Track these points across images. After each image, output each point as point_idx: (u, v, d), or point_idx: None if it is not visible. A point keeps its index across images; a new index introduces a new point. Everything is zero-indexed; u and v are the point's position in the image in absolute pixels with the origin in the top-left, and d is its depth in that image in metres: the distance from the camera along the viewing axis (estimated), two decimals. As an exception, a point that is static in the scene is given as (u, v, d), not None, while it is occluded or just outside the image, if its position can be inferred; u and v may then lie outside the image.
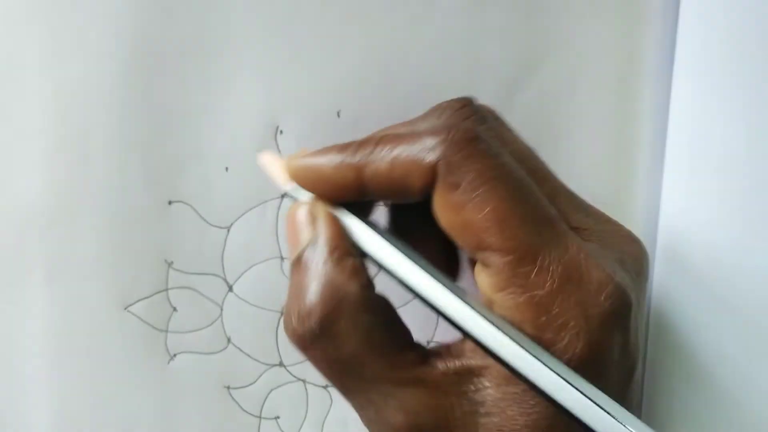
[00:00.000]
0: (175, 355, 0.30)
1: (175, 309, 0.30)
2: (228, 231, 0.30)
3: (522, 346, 0.20)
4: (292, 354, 0.30)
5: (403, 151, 0.21)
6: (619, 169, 0.31)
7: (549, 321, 0.20)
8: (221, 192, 0.29)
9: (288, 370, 0.31)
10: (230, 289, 0.30)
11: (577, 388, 0.19)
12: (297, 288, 0.22)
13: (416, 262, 0.22)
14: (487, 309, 0.21)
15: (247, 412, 0.31)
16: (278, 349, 0.31)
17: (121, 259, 0.29)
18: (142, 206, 0.29)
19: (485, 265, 0.21)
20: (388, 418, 0.21)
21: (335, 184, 0.22)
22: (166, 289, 0.30)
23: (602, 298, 0.20)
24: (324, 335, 0.21)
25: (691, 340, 0.31)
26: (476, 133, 0.21)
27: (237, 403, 0.31)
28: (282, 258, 0.30)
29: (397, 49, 0.30)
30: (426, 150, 0.21)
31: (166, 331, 0.30)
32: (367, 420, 0.22)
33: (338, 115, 0.29)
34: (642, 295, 0.22)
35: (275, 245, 0.30)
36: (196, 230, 0.29)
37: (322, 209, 0.23)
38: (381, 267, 0.22)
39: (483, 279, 0.21)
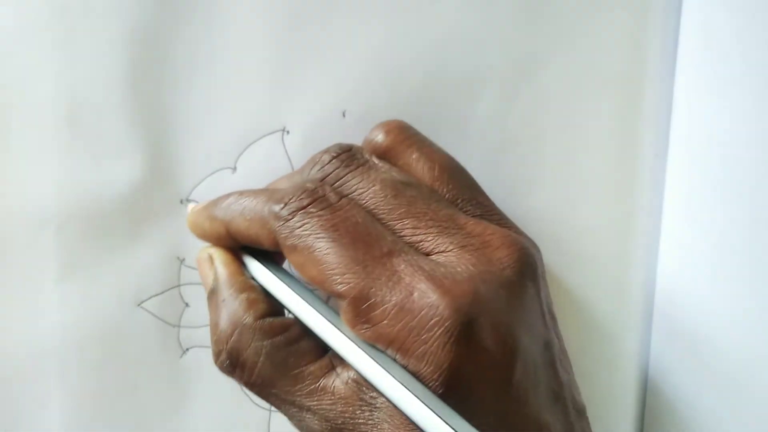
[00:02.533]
0: (187, 350, 0.31)
1: (187, 304, 0.30)
2: (237, 229, 0.30)
3: (393, 376, 0.21)
4: (301, 348, 0.31)
5: (256, 213, 0.24)
6: (622, 168, 0.31)
7: (402, 352, 0.22)
8: (230, 191, 0.30)
9: (297, 364, 0.31)
10: (240, 285, 0.31)
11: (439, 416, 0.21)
12: (211, 327, 0.25)
13: (299, 294, 0.24)
14: (359, 340, 0.23)
15: (258, 405, 0.31)
16: (287, 344, 0.31)
17: (133, 257, 0.30)
18: (154, 205, 0.29)
19: (339, 309, 0.23)
20: (309, 426, 0.24)
21: (215, 238, 0.26)
22: (179, 285, 0.30)
23: (435, 320, 0.21)
24: (235, 366, 0.24)
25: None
26: (321, 193, 0.24)
27: (248, 395, 0.31)
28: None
29: (401, 50, 0.30)
30: (270, 216, 0.24)
31: (179, 326, 0.30)
32: (298, 428, 0.25)
33: (344, 115, 0.30)
34: (514, 299, 0.23)
35: (283, 242, 0.30)
36: (207, 228, 0.30)
37: (217, 252, 0.26)
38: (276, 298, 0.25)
39: (344, 320, 0.23)
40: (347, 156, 0.25)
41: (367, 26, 0.29)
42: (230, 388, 0.31)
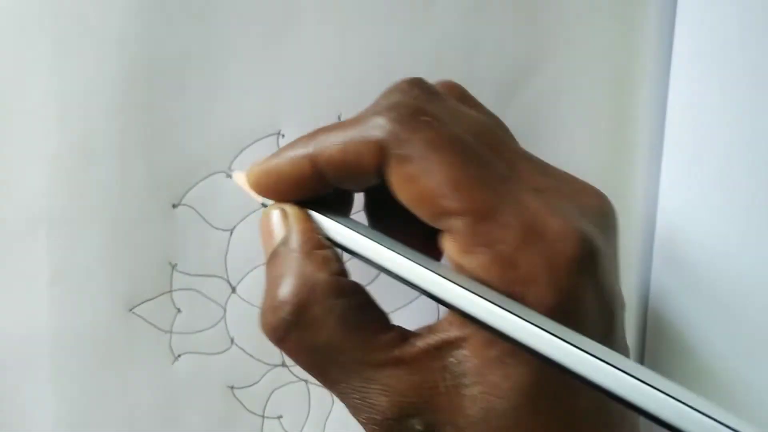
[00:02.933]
0: (179, 356, 0.30)
1: (179, 310, 0.30)
2: (231, 233, 0.30)
3: (496, 304, 0.20)
4: (294, 354, 0.31)
5: (352, 134, 0.22)
6: (618, 168, 0.31)
7: (517, 275, 0.20)
8: (224, 195, 0.30)
9: (290, 370, 0.31)
10: (233, 290, 0.30)
11: (555, 335, 0.19)
12: (271, 283, 0.22)
13: (387, 246, 0.22)
14: (457, 274, 0.21)
15: (250, 411, 0.31)
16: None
17: (125, 262, 0.29)
18: (147, 210, 0.29)
19: (448, 231, 0.21)
20: (373, 403, 0.21)
21: (295, 180, 0.23)
22: (171, 291, 0.30)
23: (565, 246, 0.20)
24: (298, 324, 0.21)
25: (688, 337, 0.31)
26: (420, 107, 0.22)
27: (240, 402, 0.31)
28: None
29: (396, 52, 0.30)
30: (373, 128, 0.21)
31: (171, 332, 0.30)
32: (353, 408, 0.22)
33: (339, 118, 0.30)
34: (610, 245, 0.22)
35: (277, 247, 0.30)
36: (200, 233, 0.30)
37: (291, 207, 0.23)
38: (355, 255, 0.23)
39: (449, 245, 0.21)
40: (428, 86, 0.24)
41: (362, 29, 0.29)
42: (223, 394, 0.31)
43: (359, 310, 0.22)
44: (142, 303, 0.30)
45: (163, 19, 0.28)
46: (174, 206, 0.29)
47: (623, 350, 0.23)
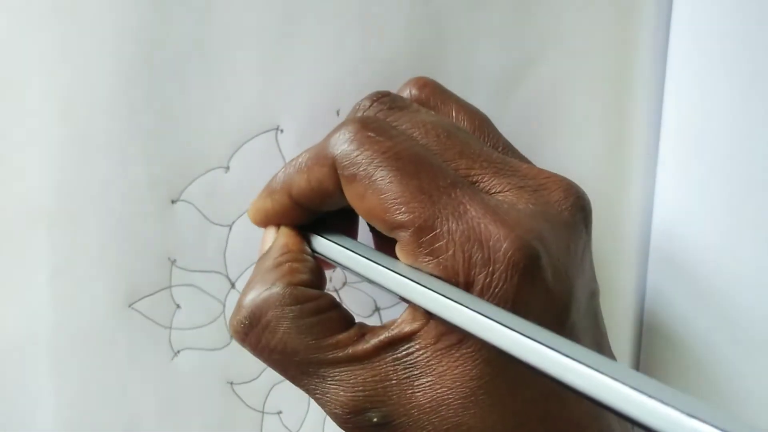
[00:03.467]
0: (178, 352, 0.30)
1: (178, 306, 0.30)
2: (230, 229, 0.30)
3: (448, 297, 0.21)
4: (294, 350, 0.31)
5: (311, 160, 0.24)
6: (614, 167, 0.31)
7: (467, 284, 0.21)
8: (223, 191, 0.30)
9: (290, 366, 0.31)
10: (233, 286, 0.30)
11: (500, 322, 0.20)
12: (244, 288, 0.25)
13: (360, 253, 0.24)
14: (417, 273, 0.22)
15: (250, 407, 0.31)
16: (280, 345, 0.31)
17: (124, 258, 0.29)
18: (146, 205, 0.29)
19: (399, 241, 0.22)
20: (332, 398, 0.23)
21: (280, 214, 0.25)
22: (170, 287, 0.30)
23: (501, 253, 0.21)
24: (254, 326, 0.23)
25: (685, 336, 0.31)
26: (365, 122, 0.23)
27: (240, 398, 0.31)
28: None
29: (395, 49, 0.30)
30: (325, 151, 0.23)
31: (170, 327, 0.30)
32: (318, 403, 0.24)
33: (338, 114, 0.30)
34: (572, 241, 0.23)
35: (277, 243, 0.30)
36: (199, 228, 0.30)
37: (283, 227, 0.26)
38: (338, 265, 0.25)
39: (400, 255, 0.22)
40: (389, 99, 0.25)
41: (361, 25, 0.29)
42: (222, 390, 0.31)
43: (315, 314, 0.23)
44: (142, 299, 0.30)
45: (163, 15, 0.28)
46: (173, 202, 0.30)
47: (593, 339, 0.23)
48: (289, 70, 0.29)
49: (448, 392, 0.21)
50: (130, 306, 0.30)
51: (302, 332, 0.23)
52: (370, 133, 0.22)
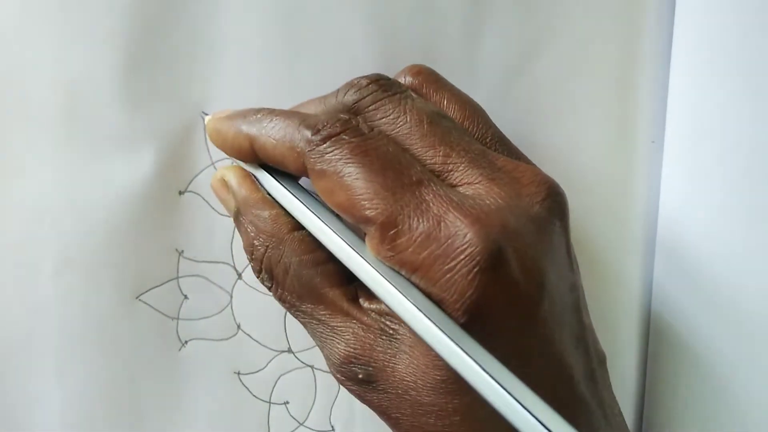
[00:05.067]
0: (186, 342, 0.31)
1: (186, 297, 0.30)
2: (237, 220, 0.30)
3: (409, 300, 0.21)
4: (300, 340, 0.31)
5: (284, 134, 0.24)
6: (619, 157, 0.31)
7: (427, 279, 0.21)
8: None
9: (296, 356, 0.31)
10: (239, 276, 0.31)
11: (452, 340, 0.20)
12: (245, 246, 0.26)
13: (318, 215, 0.24)
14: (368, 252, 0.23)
15: (256, 397, 0.31)
16: (287, 336, 0.31)
17: (132, 249, 0.29)
18: (153, 197, 0.29)
19: (366, 234, 0.23)
20: (330, 345, 0.24)
21: (236, 150, 0.25)
22: (177, 278, 0.30)
23: (463, 248, 0.21)
24: (268, 278, 0.25)
25: (691, 333, 0.31)
26: (345, 117, 0.23)
27: (247, 388, 0.31)
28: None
29: (397, 42, 0.30)
30: (300, 139, 0.23)
31: (177, 318, 0.30)
32: (321, 348, 0.25)
33: (343, 105, 0.30)
34: (543, 235, 0.23)
35: (283, 234, 0.30)
36: (206, 220, 0.30)
37: (229, 173, 0.26)
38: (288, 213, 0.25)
39: (369, 246, 0.23)
40: (385, 82, 0.25)
41: (361, 20, 0.29)
42: (230, 380, 0.31)
43: (314, 266, 0.24)
44: (149, 290, 0.30)
45: (168, 8, 0.28)
46: (180, 193, 0.30)
47: (572, 333, 0.23)
48: (292, 62, 0.29)
49: (422, 375, 0.22)
50: (137, 297, 0.30)
51: (303, 283, 0.24)
52: (344, 135, 0.23)
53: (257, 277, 0.26)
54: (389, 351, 0.23)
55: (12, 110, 0.28)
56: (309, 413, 0.32)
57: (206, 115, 0.27)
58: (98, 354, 0.30)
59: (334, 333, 0.24)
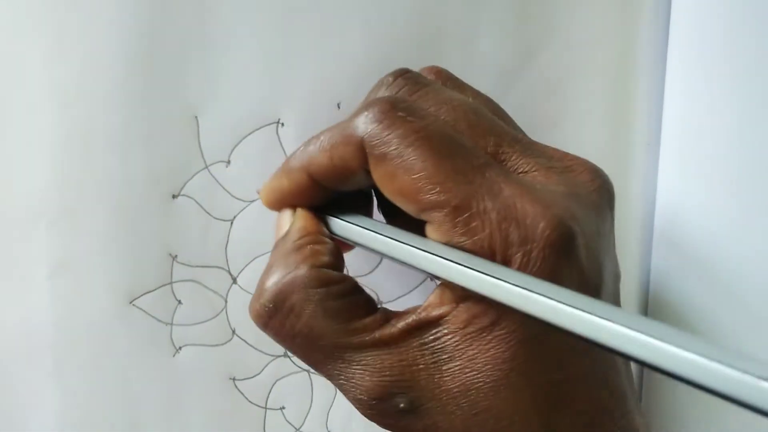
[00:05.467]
0: (180, 348, 0.30)
1: (179, 302, 0.30)
2: (231, 224, 0.30)
3: (485, 272, 0.20)
4: (296, 345, 0.31)
5: (335, 138, 0.23)
6: (616, 154, 0.31)
7: (505, 262, 0.21)
8: (224, 185, 0.29)
9: (292, 361, 0.31)
10: (234, 281, 0.30)
11: (545, 295, 0.19)
12: (264, 272, 0.24)
13: (381, 232, 0.23)
14: (449, 250, 0.22)
15: (252, 402, 0.31)
16: (282, 340, 0.31)
17: (125, 254, 0.29)
18: (146, 201, 0.29)
19: (431, 222, 0.22)
20: (357, 383, 0.22)
21: (296, 193, 0.25)
22: (171, 283, 0.30)
23: (538, 231, 0.21)
24: (279, 310, 0.23)
25: (690, 320, 0.31)
26: (397, 102, 0.22)
27: (242, 394, 0.31)
28: (285, 250, 0.30)
29: (396, 41, 0.30)
30: (354, 130, 0.22)
31: (171, 324, 0.30)
32: (341, 389, 0.23)
33: (338, 107, 0.30)
34: (601, 221, 0.23)
35: (278, 237, 0.30)
36: (200, 224, 0.30)
37: (300, 209, 0.25)
38: (359, 245, 0.24)
39: (433, 236, 0.22)
40: (412, 75, 0.24)
41: (361, 17, 0.29)
42: (225, 386, 0.31)
43: (340, 298, 0.23)
44: (143, 295, 0.30)
45: (163, 9, 0.28)
46: (174, 197, 0.29)
47: None
48: (289, 63, 0.29)
49: (479, 376, 0.21)
50: (131, 303, 0.30)
51: (328, 316, 0.23)
52: (400, 113, 0.22)
53: (252, 306, 0.24)
54: (432, 365, 0.22)
55: (5, 113, 0.28)
56: (305, 418, 0.31)
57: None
58: (92, 359, 0.30)
59: (363, 367, 0.22)
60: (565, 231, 0.21)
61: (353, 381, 0.23)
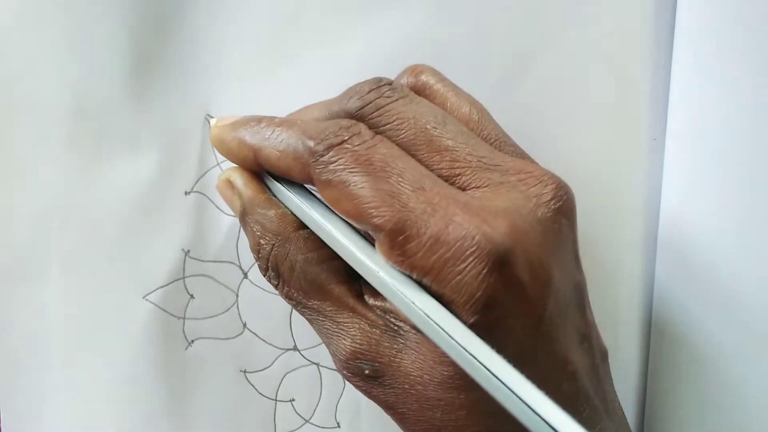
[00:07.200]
0: (192, 342, 0.31)
1: (192, 296, 0.31)
2: (242, 220, 0.30)
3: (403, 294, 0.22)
4: (306, 338, 0.31)
5: (287, 144, 0.24)
6: (620, 158, 0.31)
7: (437, 282, 0.21)
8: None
9: (302, 354, 0.31)
10: (245, 275, 0.31)
11: (459, 344, 0.20)
12: (251, 245, 0.26)
13: (324, 217, 0.24)
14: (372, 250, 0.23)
15: (263, 395, 0.31)
16: (292, 334, 0.31)
17: (138, 249, 0.30)
18: (159, 197, 0.30)
19: (376, 241, 0.23)
20: (338, 343, 0.24)
21: (240, 160, 0.26)
22: (183, 278, 0.30)
23: (470, 251, 0.21)
24: (275, 276, 0.25)
25: (693, 330, 0.31)
26: (348, 131, 0.23)
27: (253, 386, 0.31)
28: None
29: (397, 43, 0.30)
30: (304, 150, 0.23)
31: (184, 318, 0.31)
32: (327, 346, 0.25)
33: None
34: (550, 235, 0.23)
35: (288, 233, 0.30)
36: (212, 219, 0.30)
37: (235, 174, 0.26)
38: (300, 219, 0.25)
39: (379, 252, 0.23)
40: (387, 87, 0.25)
41: (362, 20, 0.30)
42: (236, 378, 0.31)
43: (320, 263, 0.25)
44: (155, 290, 0.30)
45: (173, 9, 0.29)
46: (186, 193, 0.30)
47: (577, 330, 0.24)
48: (289, 69, 0.29)
49: (430, 370, 0.23)
50: (143, 297, 0.30)
51: (309, 280, 0.25)
52: (346, 144, 0.23)
53: (264, 276, 0.26)
54: (395, 347, 0.23)
55: (18, 111, 0.29)
56: (315, 410, 0.32)
57: (211, 118, 0.28)
58: (105, 353, 0.30)
59: (340, 329, 0.24)
60: (498, 247, 0.21)
61: (333, 339, 0.25)
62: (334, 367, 0.31)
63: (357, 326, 0.24)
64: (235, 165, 0.26)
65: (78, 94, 0.29)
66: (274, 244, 0.25)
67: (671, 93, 0.31)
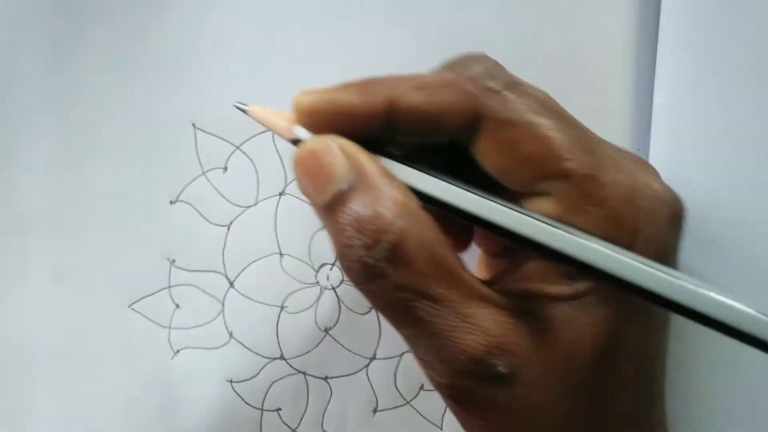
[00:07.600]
0: (178, 351, 0.31)
1: (177, 306, 0.30)
2: (228, 229, 0.30)
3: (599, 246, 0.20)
4: (292, 347, 0.31)
5: (441, 82, 0.21)
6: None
7: (623, 231, 0.21)
8: (221, 191, 0.30)
9: (288, 363, 0.31)
10: (231, 285, 0.31)
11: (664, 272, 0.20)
12: (355, 219, 0.20)
13: (470, 190, 0.21)
14: (549, 219, 0.21)
15: (249, 404, 0.31)
16: (279, 343, 0.31)
17: (124, 259, 0.30)
18: (144, 206, 0.29)
19: (549, 194, 0.21)
20: (462, 342, 0.20)
21: (360, 117, 0.21)
22: (169, 287, 0.30)
23: (665, 205, 0.21)
24: (396, 259, 0.20)
25: (696, 333, 0.31)
26: (514, 76, 0.22)
27: (240, 396, 0.31)
28: (281, 254, 0.31)
29: (395, 46, 0.30)
30: (475, 87, 0.21)
31: (170, 327, 0.30)
32: (430, 352, 0.21)
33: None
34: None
35: (274, 241, 0.30)
36: (197, 229, 0.30)
37: (347, 143, 0.21)
38: (430, 201, 0.21)
39: (550, 207, 0.21)
40: (498, 64, 0.23)
41: (359, 25, 0.30)
42: (222, 388, 0.31)
43: (444, 246, 0.21)
44: (141, 299, 0.30)
45: (159, 16, 0.29)
46: (171, 203, 0.30)
47: None
48: (285, 71, 0.30)
49: (582, 347, 0.21)
50: (129, 306, 0.30)
51: (439, 264, 0.20)
52: (521, 87, 0.22)
53: (357, 257, 0.20)
54: (538, 332, 0.21)
55: (5, 119, 0.28)
56: (301, 420, 0.32)
57: (243, 105, 0.23)
58: (91, 362, 0.30)
59: (468, 322, 0.20)
60: (682, 205, 0.22)
61: (454, 339, 0.20)
62: (321, 376, 0.31)
63: (490, 316, 0.21)
64: (312, 136, 0.22)
65: (64, 102, 0.29)
66: (403, 216, 0.20)
67: (654, 103, 0.31)
